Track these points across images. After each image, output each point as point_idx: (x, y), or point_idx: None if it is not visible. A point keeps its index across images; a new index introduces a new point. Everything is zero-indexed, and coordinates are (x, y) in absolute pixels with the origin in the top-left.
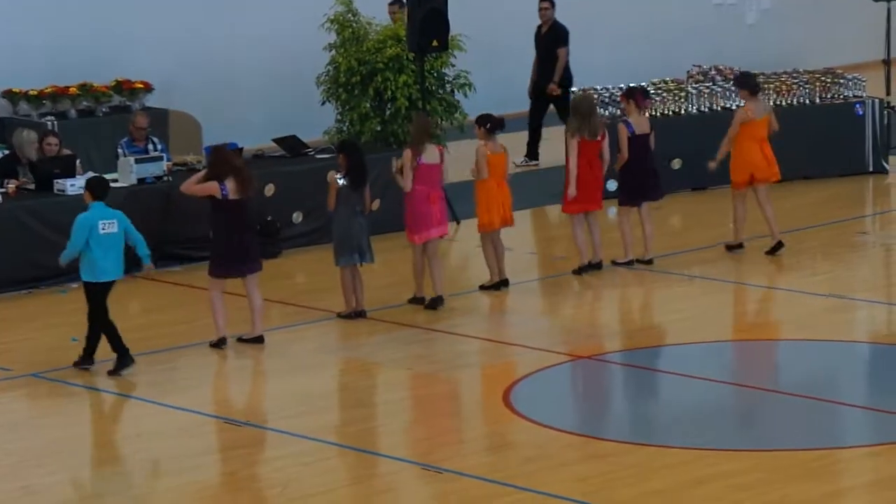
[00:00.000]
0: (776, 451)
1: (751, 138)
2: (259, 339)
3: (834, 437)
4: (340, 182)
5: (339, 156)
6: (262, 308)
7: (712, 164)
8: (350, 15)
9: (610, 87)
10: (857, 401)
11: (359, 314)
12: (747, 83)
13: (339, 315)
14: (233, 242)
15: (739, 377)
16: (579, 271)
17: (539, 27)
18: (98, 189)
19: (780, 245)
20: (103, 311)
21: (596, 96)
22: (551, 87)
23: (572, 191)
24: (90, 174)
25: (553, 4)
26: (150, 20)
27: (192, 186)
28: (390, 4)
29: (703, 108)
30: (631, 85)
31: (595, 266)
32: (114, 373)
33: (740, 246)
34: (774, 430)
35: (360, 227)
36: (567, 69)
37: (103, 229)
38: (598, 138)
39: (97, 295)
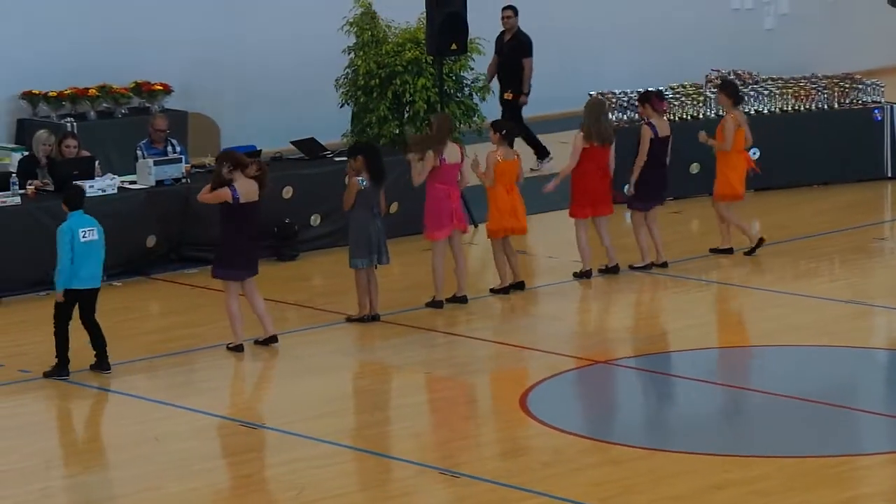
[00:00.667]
0: (794, 458)
1: (738, 150)
2: (273, 339)
3: (853, 443)
4: (363, 184)
5: (358, 158)
6: (265, 310)
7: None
8: (369, 18)
9: (628, 91)
10: (876, 408)
11: (373, 318)
12: (731, 93)
13: (349, 319)
14: (239, 246)
15: (756, 383)
16: (580, 276)
17: (502, 34)
18: (73, 200)
19: (760, 243)
20: (67, 318)
21: (614, 100)
22: (513, 96)
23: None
24: (109, 175)
25: (516, 13)
26: (169, 22)
27: (206, 196)
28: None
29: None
30: (648, 89)
31: (612, 270)
32: (49, 375)
33: (757, 248)
34: (793, 437)
35: (377, 228)
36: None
37: (84, 237)
38: (607, 144)
39: (69, 302)
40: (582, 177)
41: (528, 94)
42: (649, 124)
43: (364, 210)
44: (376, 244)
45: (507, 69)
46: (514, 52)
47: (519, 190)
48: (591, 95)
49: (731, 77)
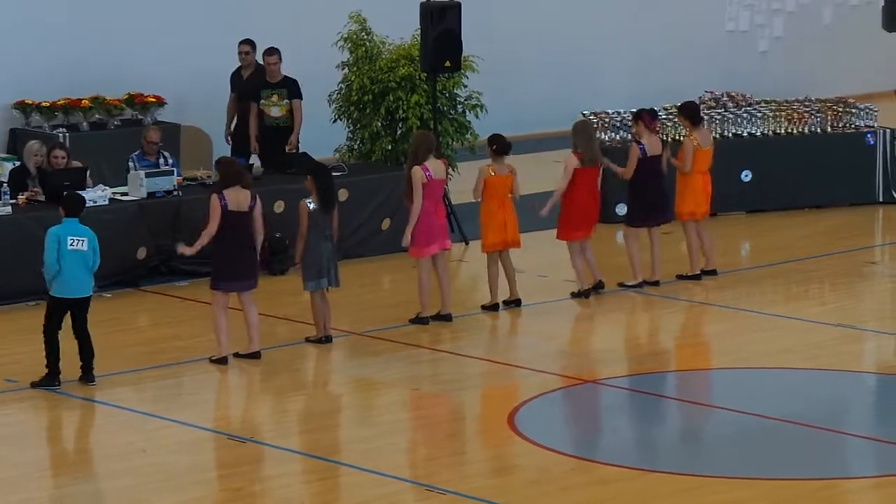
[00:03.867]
0: (782, 480)
1: (699, 171)
2: (256, 355)
3: (840, 467)
4: (311, 207)
5: (308, 179)
6: (258, 324)
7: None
8: (364, 34)
9: (622, 111)
10: (864, 431)
11: (327, 339)
12: (689, 113)
13: (308, 339)
14: (230, 257)
15: (745, 405)
16: (579, 294)
17: (239, 70)
18: (71, 206)
19: (713, 272)
20: (57, 327)
21: (607, 120)
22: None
23: (546, 211)
24: (101, 187)
25: (254, 48)
26: (163, 35)
27: (210, 227)
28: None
29: (714, 135)
30: (642, 108)
31: (598, 287)
32: (37, 384)
33: (708, 273)
34: (781, 459)
35: (329, 251)
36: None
37: (71, 245)
38: (597, 165)
39: (58, 310)
40: (573, 199)
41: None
42: (638, 143)
43: (315, 233)
44: (326, 267)
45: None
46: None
47: (514, 205)
48: (583, 115)
49: (722, 98)
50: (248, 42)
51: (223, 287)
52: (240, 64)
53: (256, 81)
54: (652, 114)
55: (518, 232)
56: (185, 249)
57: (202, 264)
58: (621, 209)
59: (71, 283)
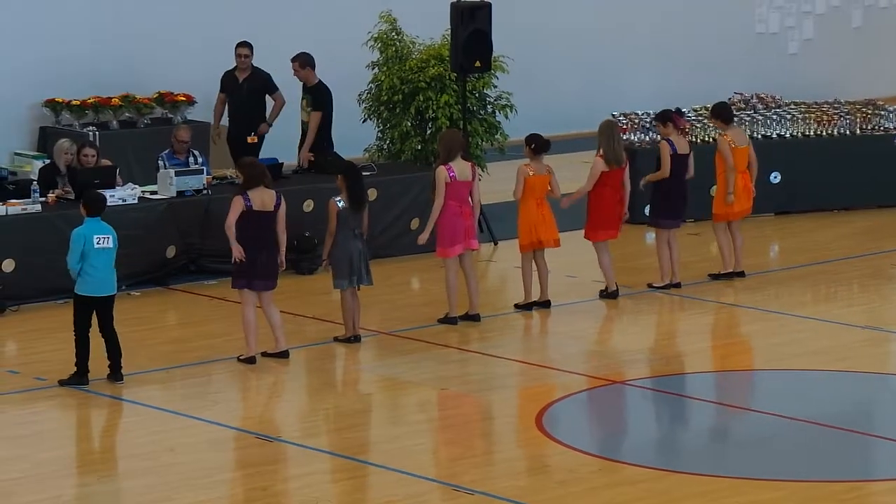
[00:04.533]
0: (807, 482)
1: (736, 168)
2: (284, 354)
3: (867, 469)
4: (340, 205)
5: (338, 178)
6: (281, 323)
7: (730, 198)
8: (394, 33)
9: (651, 112)
10: (891, 434)
11: (355, 338)
12: (720, 112)
13: (337, 339)
14: (252, 256)
15: (772, 406)
16: (608, 295)
17: (233, 72)
18: (93, 205)
19: (741, 274)
20: (86, 325)
21: (637, 121)
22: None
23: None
24: (130, 185)
25: (252, 50)
26: (194, 34)
27: (228, 220)
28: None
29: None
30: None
31: (611, 294)
32: (65, 383)
33: (736, 275)
34: (807, 461)
35: (358, 250)
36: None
37: (98, 243)
38: (622, 166)
39: (85, 308)
40: (599, 200)
41: (270, 125)
42: (668, 140)
43: (344, 231)
44: (357, 266)
45: (249, 109)
46: (254, 91)
47: (549, 205)
48: (612, 116)
49: (752, 100)
50: (247, 45)
51: (245, 285)
52: (235, 65)
53: (252, 85)
54: (679, 113)
55: (556, 231)
56: (237, 254)
57: (231, 263)
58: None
59: (97, 281)
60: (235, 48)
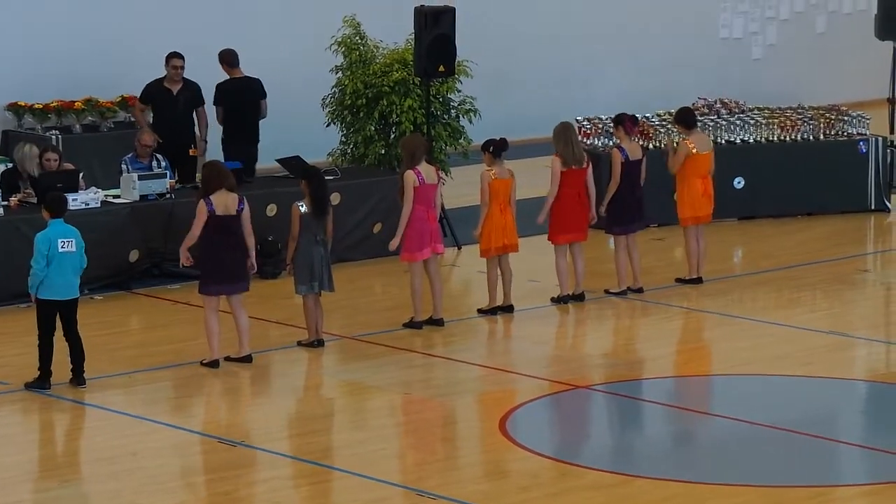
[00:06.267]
0: (772, 488)
1: (696, 174)
2: (247, 359)
3: (830, 474)
4: (303, 210)
5: (301, 183)
6: (248, 328)
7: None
8: (358, 38)
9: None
10: (855, 439)
11: (319, 343)
12: (682, 118)
13: (300, 343)
14: (219, 260)
15: (736, 411)
16: (559, 300)
17: (163, 83)
18: (55, 206)
19: (699, 280)
20: (51, 329)
21: (601, 126)
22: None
23: (542, 217)
24: (93, 189)
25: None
26: (156, 38)
27: (192, 230)
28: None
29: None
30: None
31: (577, 297)
32: (30, 386)
33: (699, 280)
34: (770, 466)
35: (320, 255)
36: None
37: (62, 247)
38: (584, 166)
39: (48, 312)
40: (559, 202)
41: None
42: (619, 148)
43: (307, 236)
44: (319, 272)
45: (185, 120)
46: (188, 103)
47: (513, 209)
48: (577, 121)
49: (716, 105)
50: (182, 56)
51: (213, 291)
52: (166, 76)
53: (187, 96)
54: (633, 119)
55: (516, 237)
56: (184, 260)
57: (194, 267)
58: None
59: (59, 286)
60: (168, 59)
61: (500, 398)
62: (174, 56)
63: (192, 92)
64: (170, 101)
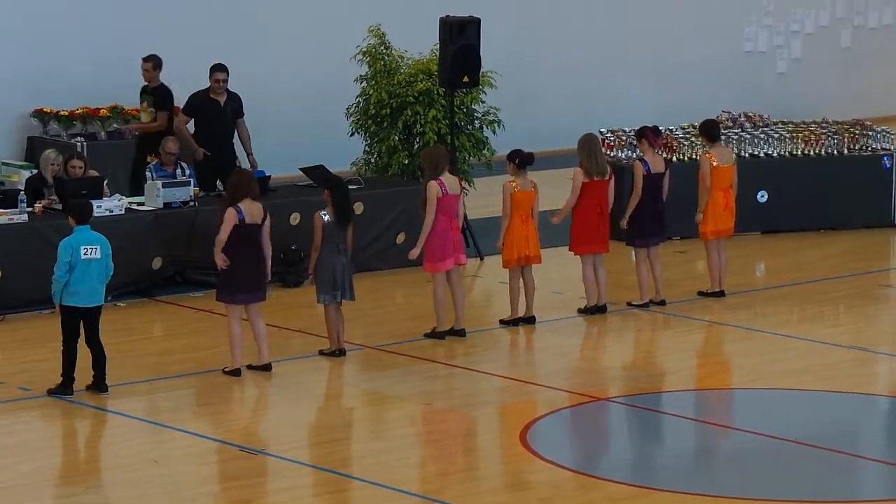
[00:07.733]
0: (791, 502)
1: (718, 187)
2: (267, 367)
3: (851, 490)
4: (326, 219)
5: (325, 192)
6: (265, 335)
7: (699, 217)
8: (382, 48)
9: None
10: (876, 454)
11: (340, 352)
12: (706, 130)
13: (321, 352)
14: (241, 269)
15: (756, 425)
16: (585, 311)
17: (208, 94)
18: (80, 213)
19: (721, 293)
20: (74, 335)
21: (624, 138)
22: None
23: (557, 219)
24: (117, 196)
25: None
26: (183, 46)
27: (220, 235)
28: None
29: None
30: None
31: (600, 309)
32: (52, 392)
33: (721, 293)
34: (790, 481)
35: (342, 265)
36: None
37: (85, 254)
38: (606, 178)
39: (72, 319)
40: (581, 213)
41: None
42: (642, 160)
43: (329, 245)
44: (340, 281)
45: (230, 133)
46: (234, 114)
47: (535, 220)
48: (601, 133)
49: (740, 118)
50: (226, 69)
51: (230, 299)
52: (209, 88)
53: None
54: (655, 131)
55: (539, 248)
56: (221, 263)
57: (217, 275)
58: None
59: (83, 292)
60: (213, 71)
61: (521, 409)
62: (218, 69)
63: (236, 104)
64: (218, 112)
